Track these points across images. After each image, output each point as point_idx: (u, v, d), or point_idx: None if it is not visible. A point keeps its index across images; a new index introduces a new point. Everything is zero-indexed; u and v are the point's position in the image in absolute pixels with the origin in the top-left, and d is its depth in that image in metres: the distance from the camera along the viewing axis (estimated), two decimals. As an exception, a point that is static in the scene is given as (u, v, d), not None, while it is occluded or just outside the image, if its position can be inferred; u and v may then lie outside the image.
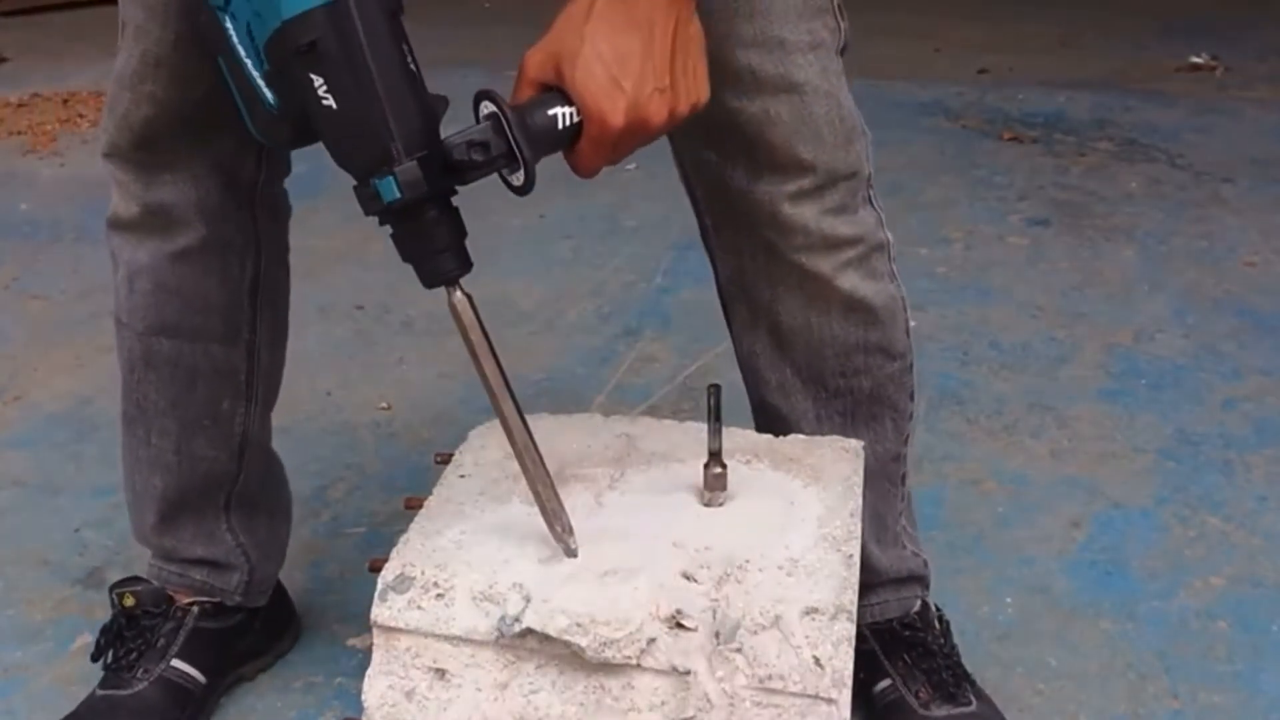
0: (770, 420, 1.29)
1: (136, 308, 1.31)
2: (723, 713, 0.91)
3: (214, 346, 1.31)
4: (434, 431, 1.96)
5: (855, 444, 1.17)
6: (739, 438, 1.16)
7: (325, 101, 0.93)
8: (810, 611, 0.93)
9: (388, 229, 0.98)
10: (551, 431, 1.17)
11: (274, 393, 1.40)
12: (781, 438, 1.18)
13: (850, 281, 1.21)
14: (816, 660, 0.91)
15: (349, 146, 0.95)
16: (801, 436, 1.19)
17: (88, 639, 1.49)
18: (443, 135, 0.95)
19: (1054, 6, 5.08)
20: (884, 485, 1.30)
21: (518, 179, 0.96)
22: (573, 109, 0.94)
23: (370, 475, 1.85)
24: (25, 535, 1.71)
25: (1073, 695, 1.39)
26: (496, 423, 1.19)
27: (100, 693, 1.33)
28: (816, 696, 0.91)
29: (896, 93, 3.76)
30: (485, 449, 1.16)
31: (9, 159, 3.46)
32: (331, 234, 1.77)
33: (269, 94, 0.99)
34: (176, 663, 1.33)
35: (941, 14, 4.92)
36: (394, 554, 1.00)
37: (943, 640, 1.34)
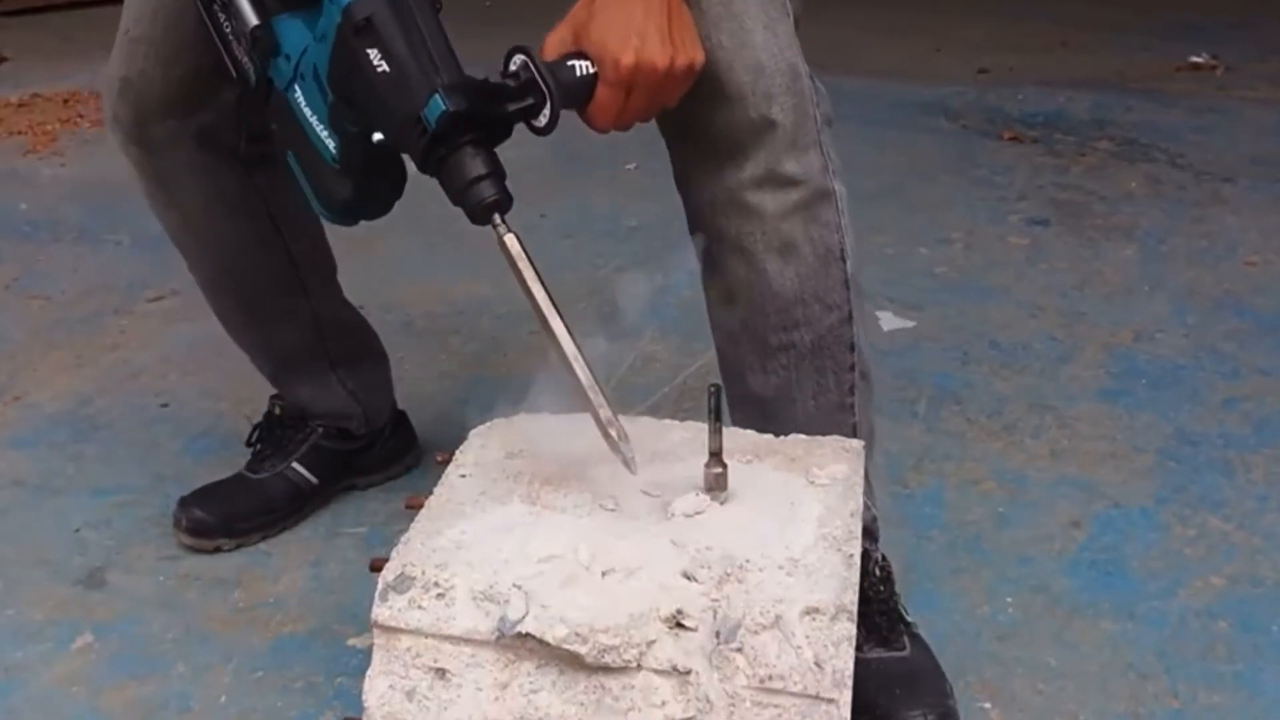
0: (724, 370, 1.37)
1: (193, 259, 1.64)
2: (723, 713, 0.91)
3: (257, 271, 1.63)
4: (434, 431, 1.96)
5: (855, 444, 1.18)
6: (739, 437, 1.16)
7: (379, 69, 1.07)
8: (810, 611, 0.93)
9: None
10: (552, 431, 1.17)
11: (329, 269, 1.73)
12: (782, 438, 1.18)
13: (790, 225, 1.27)
14: (817, 660, 0.91)
15: (399, 95, 1.06)
16: (802, 437, 1.19)
17: (88, 639, 1.50)
18: None
19: (1054, 6, 5.08)
20: (833, 435, 1.31)
21: (543, 119, 1.10)
22: (588, 62, 1.11)
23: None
24: (25, 535, 1.71)
25: (1073, 695, 1.39)
26: (497, 422, 1.20)
27: (241, 473, 1.72)
28: (817, 697, 0.91)
29: (896, 93, 3.76)
30: (485, 449, 1.16)
31: (9, 159, 3.46)
32: (332, 234, 1.76)
33: (331, 143, 1.15)
34: (296, 466, 1.71)
35: (942, 13, 4.92)
36: (394, 554, 1.00)
37: (881, 587, 1.36)
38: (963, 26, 4.71)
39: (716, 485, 1.05)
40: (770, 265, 1.28)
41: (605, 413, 1.04)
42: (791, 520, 1.03)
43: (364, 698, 0.96)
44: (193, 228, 1.59)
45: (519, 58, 1.10)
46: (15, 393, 2.12)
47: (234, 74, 1.24)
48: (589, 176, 3.02)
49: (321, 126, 1.15)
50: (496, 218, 1.07)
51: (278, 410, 1.75)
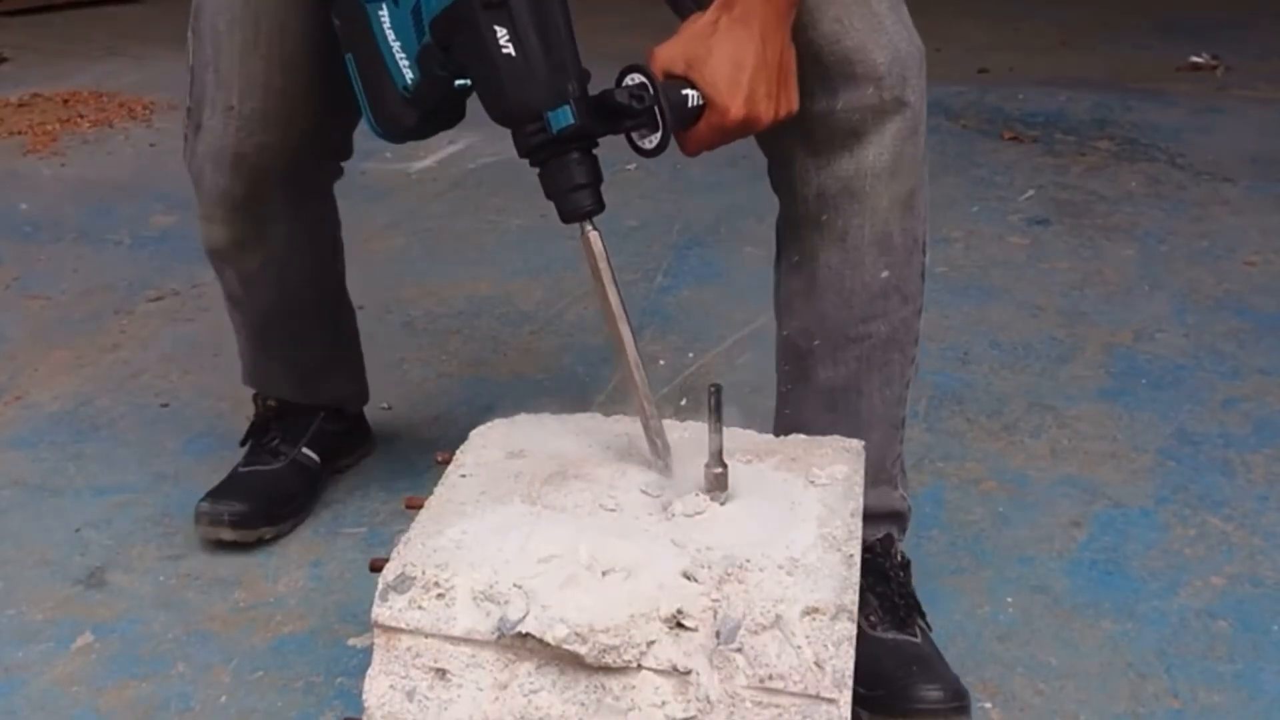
0: (789, 358, 1.39)
1: (254, 298, 1.67)
2: (723, 713, 0.91)
3: (316, 295, 1.71)
4: (435, 431, 1.97)
5: (856, 444, 1.18)
6: (740, 438, 1.16)
7: (505, 50, 1.08)
8: (811, 611, 0.93)
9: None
10: (553, 431, 1.17)
11: (344, 276, 1.78)
12: (782, 438, 1.18)
13: (892, 216, 1.30)
14: (817, 660, 0.91)
15: (524, 88, 1.08)
16: (803, 437, 1.19)
17: (88, 639, 1.50)
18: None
19: (1054, 6, 5.08)
20: (888, 430, 1.37)
21: (651, 141, 1.14)
22: (698, 94, 1.13)
23: (371, 475, 1.85)
24: (26, 535, 1.71)
25: (1073, 695, 1.39)
26: (497, 423, 1.20)
27: (242, 469, 1.73)
28: (817, 696, 0.91)
29: (897, 92, 3.76)
30: (486, 449, 1.16)
31: (10, 159, 3.46)
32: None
33: (409, 74, 1.17)
34: (305, 450, 1.76)
35: (942, 13, 4.91)
36: (395, 554, 1.00)
37: (901, 572, 1.39)
38: (963, 26, 4.71)
39: (717, 485, 1.05)
40: (868, 258, 1.31)
41: (655, 423, 1.09)
42: (792, 520, 1.03)
43: (364, 697, 0.96)
44: (269, 272, 1.62)
45: (637, 77, 1.12)
46: (16, 392, 2.12)
47: None
48: (589, 176, 3.01)
49: (404, 56, 1.17)
50: (588, 223, 1.12)
51: (272, 402, 1.79)
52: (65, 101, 3.98)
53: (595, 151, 1.13)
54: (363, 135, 1.66)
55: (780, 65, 1.15)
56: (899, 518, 1.42)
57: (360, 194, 2.94)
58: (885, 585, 1.36)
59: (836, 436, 1.20)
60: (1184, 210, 2.93)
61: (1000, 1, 5.18)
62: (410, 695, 0.96)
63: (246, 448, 1.78)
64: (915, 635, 1.34)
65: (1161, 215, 2.90)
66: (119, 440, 1.96)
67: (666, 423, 1.21)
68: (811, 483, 1.10)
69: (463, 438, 1.19)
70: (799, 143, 1.29)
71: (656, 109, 1.12)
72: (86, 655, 1.47)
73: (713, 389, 1.05)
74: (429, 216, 2.92)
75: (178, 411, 2.05)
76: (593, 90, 1.11)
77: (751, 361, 2.10)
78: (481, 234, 2.75)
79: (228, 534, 1.65)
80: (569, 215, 1.12)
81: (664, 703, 0.92)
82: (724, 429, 1.06)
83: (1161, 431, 1.94)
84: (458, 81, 1.16)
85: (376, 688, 0.96)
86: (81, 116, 3.82)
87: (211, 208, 1.53)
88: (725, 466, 1.06)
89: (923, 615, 1.38)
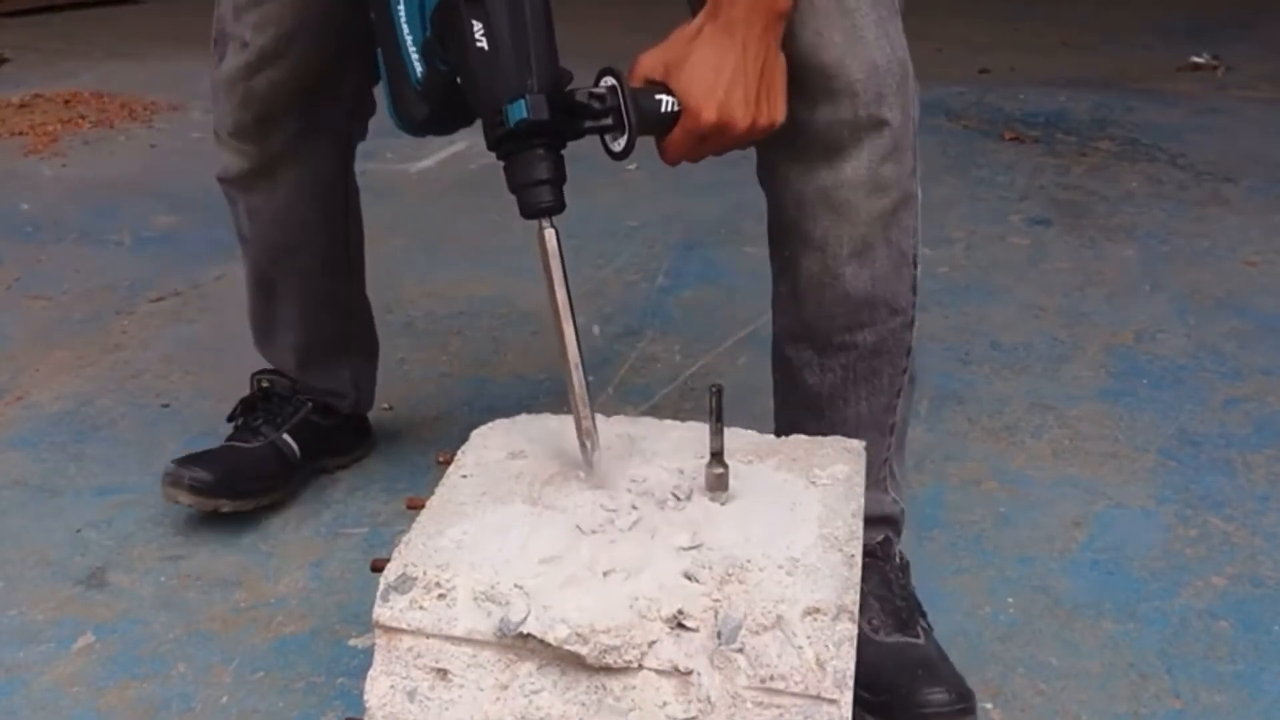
0: (779, 363, 1.40)
1: (258, 234, 1.69)
2: (724, 713, 0.91)
3: (321, 252, 1.72)
4: (436, 432, 1.97)
5: (856, 444, 1.18)
6: (741, 438, 1.16)
7: (479, 44, 1.11)
8: (812, 612, 0.93)
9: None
10: (553, 431, 1.17)
11: (363, 261, 1.81)
12: (782, 438, 1.18)
13: (874, 229, 1.28)
14: (818, 660, 0.91)
15: (491, 80, 1.11)
16: (803, 437, 1.19)
17: (89, 639, 1.50)
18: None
19: (1055, 6, 5.09)
20: (874, 434, 1.35)
21: (619, 144, 1.14)
22: (674, 99, 1.14)
23: (372, 475, 1.86)
24: (27, 535, 1.71)
25: (1074, 695, 1.39)
26: (498, 423, 1.20)
27: (227, 443, 1.76)
28: (818, 697, 0.91)
29: (897, 92, 3.76)
30: (487, 449, 1.16)
31: (10, 159, 3.47)
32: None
33: (418, 67, 1.20)
34: (286, 436, 1.77)
35: (942, 13, 4.92)
36: (396, 554, 1.00)
37: (900, 574, 1.38)
38: (963, 26, 4.72)
39: (718, 485, 1.05)
40: (848, 269, 1.30)
41: (586, 423, 1.08)
42: (792, 520, 1.03)
43: (365, 698, 0.96)
44: (275, 209, 1.65)
45: (609, 80, 1.13)
46: (17, 393, 2.12)
47: None
48: (590, 177, 3.01)
49: (414, 49, 1.20)
50: (545, 220, 1.12)
51: (266, 384, 1.81)
52: (66, 102, 3.99)
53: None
54: (373, 131, 1.68)
55: (763, 74, 1.14)
56: (891, 521, 1.42)
57: (360, 194, 2.95)
58: (886, 589, 1.36)
59: (837, 437, 1.20)
60: (1185, 210, 2.94)
61: (1000, 1, 5.18)
62: (411, 695, 0.96)
63: (233, 426, 1.80)
64: (918, 636, 1.34)
65: (1162, 215, 2.90)
66: (120, 440, 1.96)
67: (668, 422, 1.21)
68: (812, 483, 1.10)
69: (463, 438, 1.19)
70: (781, 148, 1.29)
71: (624, 110, 1.12)
72: (87, 655, 1.47)
73: (713, 389, 1.05)
74: (429, 216, 2.92)
75: (178, 412, 2.05)
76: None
77: (752, 361, 2.10)
78: (482, 234, 2.75)
79: (184, 497, 1.67)
80: (526, 210, 1.12)
81: (665, 703, 0.92)
82: (725, 429, 1.06)
83: (1163, 432, 1.94)
84: (458, 78, 1.17)
85: (378, 688, 0.96)
86: (82, 117, 3.82)
87: (225, 134, 1.60)
88: (726, 467, 1.05)
89: (924, 615, 1.38)
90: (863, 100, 1.23)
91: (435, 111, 1.24)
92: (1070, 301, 2.44)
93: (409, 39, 1.21)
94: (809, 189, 1.28)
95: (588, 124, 1.13)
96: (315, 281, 1.74)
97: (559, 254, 1.11)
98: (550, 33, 1.12)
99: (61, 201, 3.10)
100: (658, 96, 1.14)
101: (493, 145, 1.13)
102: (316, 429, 1.81)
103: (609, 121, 1.13)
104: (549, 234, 1.11)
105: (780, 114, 1.17)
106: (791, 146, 1.27)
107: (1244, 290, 2.48)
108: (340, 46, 1.51)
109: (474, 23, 1.11)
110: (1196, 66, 4.29)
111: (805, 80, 1.22)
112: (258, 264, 1.74)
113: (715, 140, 1.15)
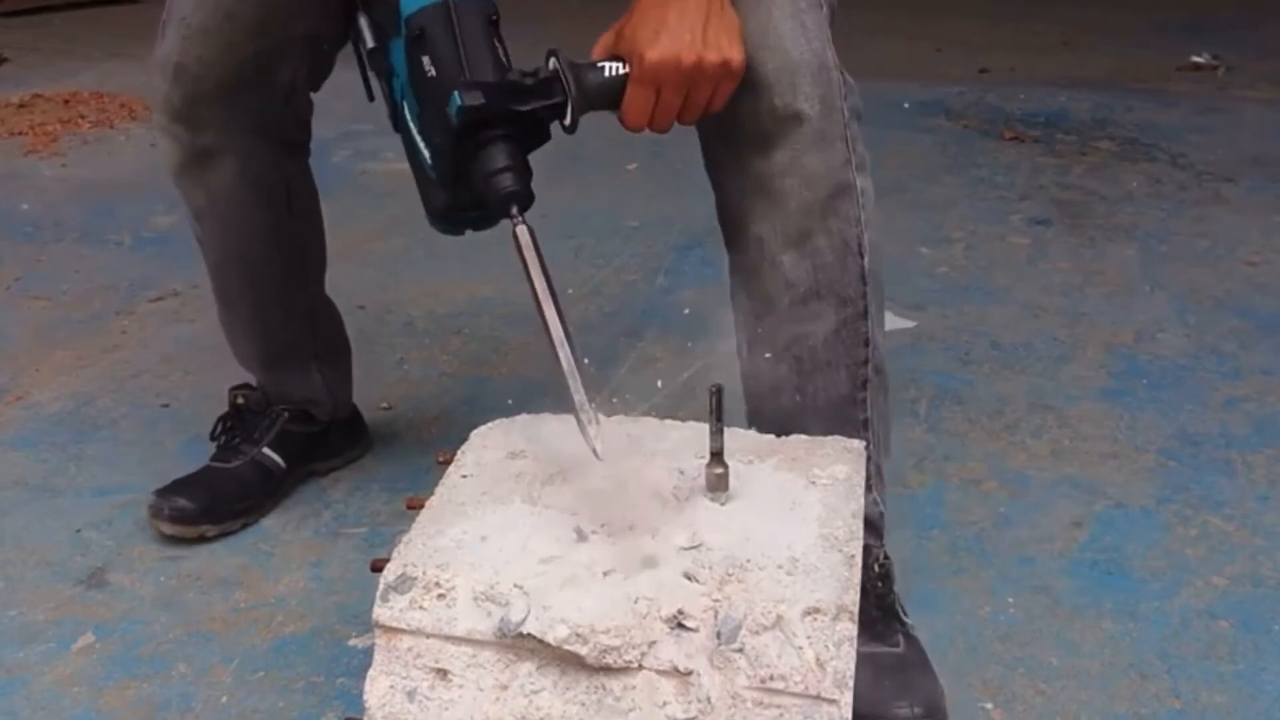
0: (741, 358, 1.37)
1: (207, 237, 1.68)
2: (724, 713, 0.91)
3: (268, 257, 1.68)
4: (436, 432, 1.97)
5: (857, 444, 1.17)
6: (741, 438, 1.16)
7: (430, 74, 1.15)
8: (812, 612, 0.93)
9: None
10: (553, 432, 1.17)
11: (323, 265, 1.77)
12: (783, 438, 1.18)
13: (809, 218, 1.27)
14: (818, 660, 0.91)
15: (437, 101, 1.13)
16: (803, 437, 1.19)
17: (89, 639, 1.50)
18: None
19: (1055, 6, 5.08)
20: (843, 429, 1.32)
21: (567, 118, 1.16)
22: (620, 63, 1.16)
23: (372, 475, 1.86)
24: (27, 535, 1.71)
25: (1074, 695, 1.39)
26: (498, 423, 1.20)
27: (211, 465, 1.76)
28: (818, 697, 0.91)
29: (897, 93, 3.75)
30: (487, 449, 1.16)
31: (10, 159, 3.46)
32: (332, 234, 1.77)
33: (427, 155, 1.20)
34: (266, 450, 1.76)
35: (942, 14, 4.92)
36: (395, 554, 1.00)
37: (879, 583, 1.35)
38: (963, 26, 4.71)
39: (718, 485, 1.05)
40: (785, 257, 1.29)
41: (580, 398, 1.07)
42: (792, 520, 1.03)
43: (365, 698, 0.96)
44: (217, 209, 1.63)
45: (551, 59, 1.15)
46: (17, 393, 2.12)
47: (369, 97, 1.32)
48: (590, 176, 3.02)
49: (421, 138, 1.21)
50: (514, 209, 1.11)
51: (240, 400, 1.80)
52: (66, 102, 3.98)
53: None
54: (352, 118, 1.67)
55: (709, 16, 1.15)
56: (868, 525, 1.39)
57: (360, 194, 2.95)
58: (861, 599, 1.35)
59: (837, 437, 1.19)
60: (1185, 210, 2.94)
61: (1000, 1, 5.18)
62: (411, 695, 0.96)
63: (215, 445, 1.80)
64: (896, 645, 1.32)
65: (1162, 215, 2.90)
66: (120, 440, 1.96)
67: (668, 422, 1.21)
68: (812, 483, 1.10)
69: (463, 438, 1.19)
70: (717, 138, 1.30)
71: (561, 79, 1.14)
72: (87, 656, 1.47)
73: (713, 389, 1.05)
74: (430, 217, 2.92)
75: (178, 412, 2.05)
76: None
77: (752, 362, 2.10)
78: (482, 234, 2.75)
79: (166, 528, 1.67)
80: (493, 202, 1.13)
81: (665, 703, 0.92)
82: (726, 429, 1.06)
83: (1163, 432, 1.94)
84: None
85: (377, 688, 0.96)
86: (82, 117, 3.82)
87: (160, 116, 1.59)
88: (726, 467, 1.05)
89: (905, 622, 1.35)
90: (777, 91, 1.23)
91: (452, 196, 1.23)
92: (1070, 301, 2.44)
93: (416, 133, 1.22)
94: (746, 178, 1.29)
95: (534, 104, 1.14)
96: (266, 288, 1.72)
97: (534, 247, 1.12)
98: (489, 37, 1.15)
99: (61, 201, 3.10)
100: (600, 64, 1.16)
101: (451, 158, 1.14)
102: (298, 438, 1.79)
103: (557, 99, 1.14)
104: (521, 230, 1.12)
105: (735, 53, 1.17)
106: (726, 136, 1.28)
107: (1244, 290, 2.48)
108: (280, 39, 1.51)
109: (423, 59, 1.15)
110: (1196, 66, 4.29)
111: None
112: (212, 271, 1.73)
113: (670, 88, 1.16)
